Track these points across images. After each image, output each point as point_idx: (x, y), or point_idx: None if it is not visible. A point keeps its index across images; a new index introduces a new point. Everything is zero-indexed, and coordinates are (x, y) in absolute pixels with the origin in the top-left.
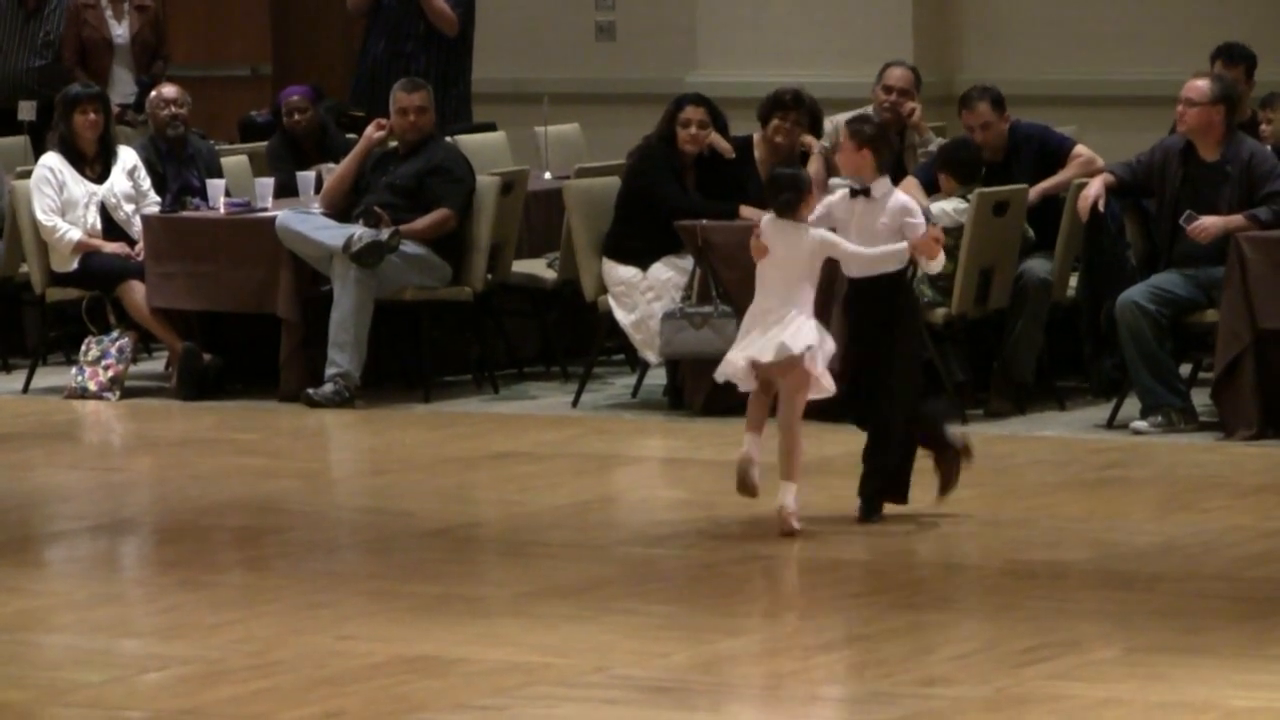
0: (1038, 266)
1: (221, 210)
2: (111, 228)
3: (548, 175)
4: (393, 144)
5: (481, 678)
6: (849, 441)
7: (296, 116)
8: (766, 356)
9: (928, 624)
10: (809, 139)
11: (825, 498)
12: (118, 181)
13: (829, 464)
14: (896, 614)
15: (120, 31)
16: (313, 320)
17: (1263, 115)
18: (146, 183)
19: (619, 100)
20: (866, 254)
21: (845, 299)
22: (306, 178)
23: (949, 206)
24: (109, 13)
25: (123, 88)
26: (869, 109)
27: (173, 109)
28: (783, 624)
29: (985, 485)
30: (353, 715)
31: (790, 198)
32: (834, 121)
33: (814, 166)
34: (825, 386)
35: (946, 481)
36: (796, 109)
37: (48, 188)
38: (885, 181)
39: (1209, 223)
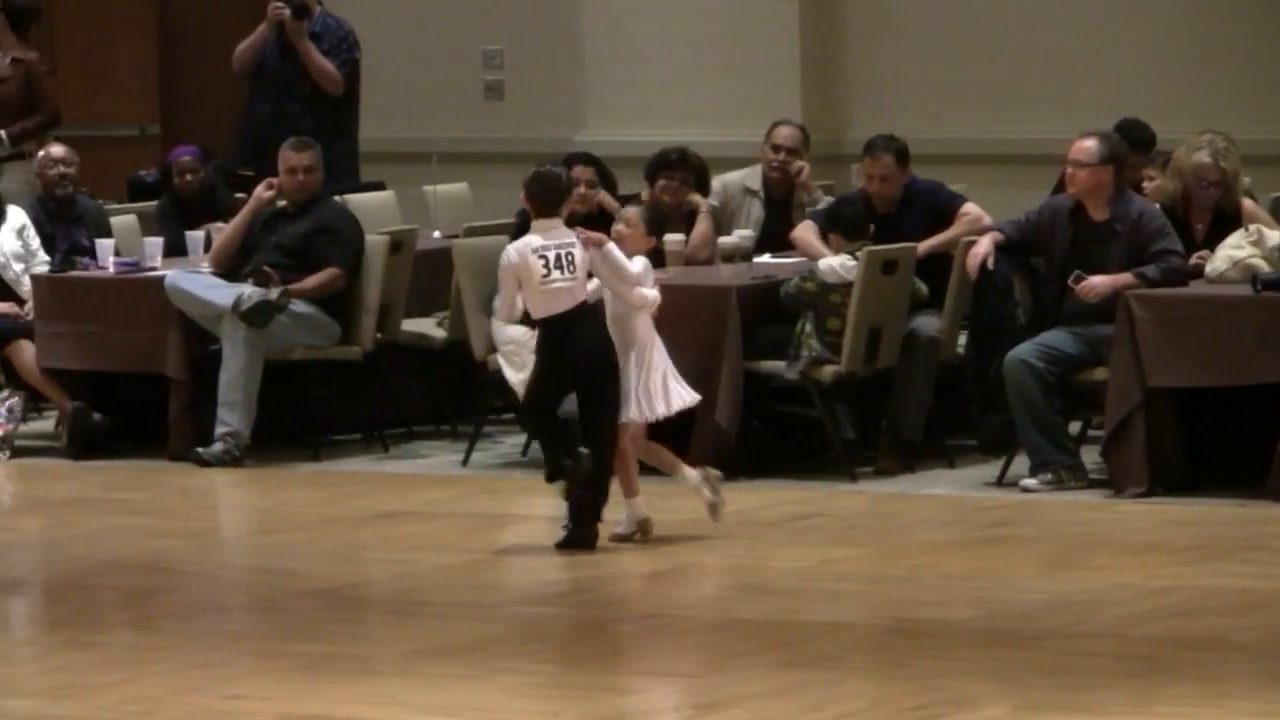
0: (926, 324)
1: (111, 270)
2: (0, 287)
3: (436, 234)
4: (281, 203)
5: None
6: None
7: (188, 176)
8: None
9: (814, 682)
10: (695, 197)
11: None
12: (6, 241)
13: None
14: (782, 673)
15: None
16: (202, 379)
17: (1146, 173)
18: (35, 242)
19: (508, 159)
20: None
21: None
22: (195, 237)
23: (836, 263)
24: None
25: None
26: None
27: (61, 168)
28: (670, 683)
29: (872, 544)
30: None
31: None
32: (722, 180)
33: (701, 225)
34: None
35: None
36: (682, 168)
37: None
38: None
39: (1097, 282)
